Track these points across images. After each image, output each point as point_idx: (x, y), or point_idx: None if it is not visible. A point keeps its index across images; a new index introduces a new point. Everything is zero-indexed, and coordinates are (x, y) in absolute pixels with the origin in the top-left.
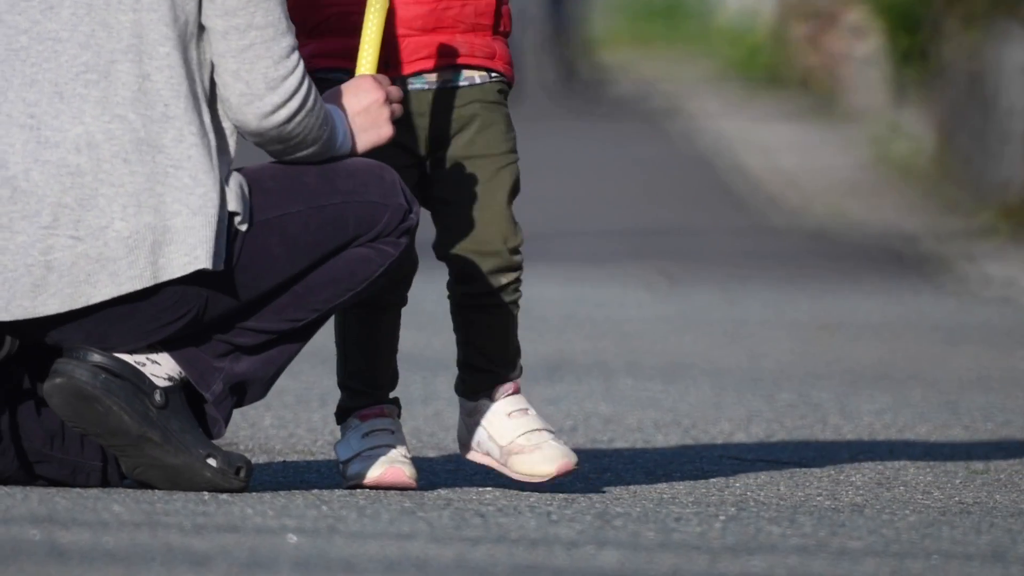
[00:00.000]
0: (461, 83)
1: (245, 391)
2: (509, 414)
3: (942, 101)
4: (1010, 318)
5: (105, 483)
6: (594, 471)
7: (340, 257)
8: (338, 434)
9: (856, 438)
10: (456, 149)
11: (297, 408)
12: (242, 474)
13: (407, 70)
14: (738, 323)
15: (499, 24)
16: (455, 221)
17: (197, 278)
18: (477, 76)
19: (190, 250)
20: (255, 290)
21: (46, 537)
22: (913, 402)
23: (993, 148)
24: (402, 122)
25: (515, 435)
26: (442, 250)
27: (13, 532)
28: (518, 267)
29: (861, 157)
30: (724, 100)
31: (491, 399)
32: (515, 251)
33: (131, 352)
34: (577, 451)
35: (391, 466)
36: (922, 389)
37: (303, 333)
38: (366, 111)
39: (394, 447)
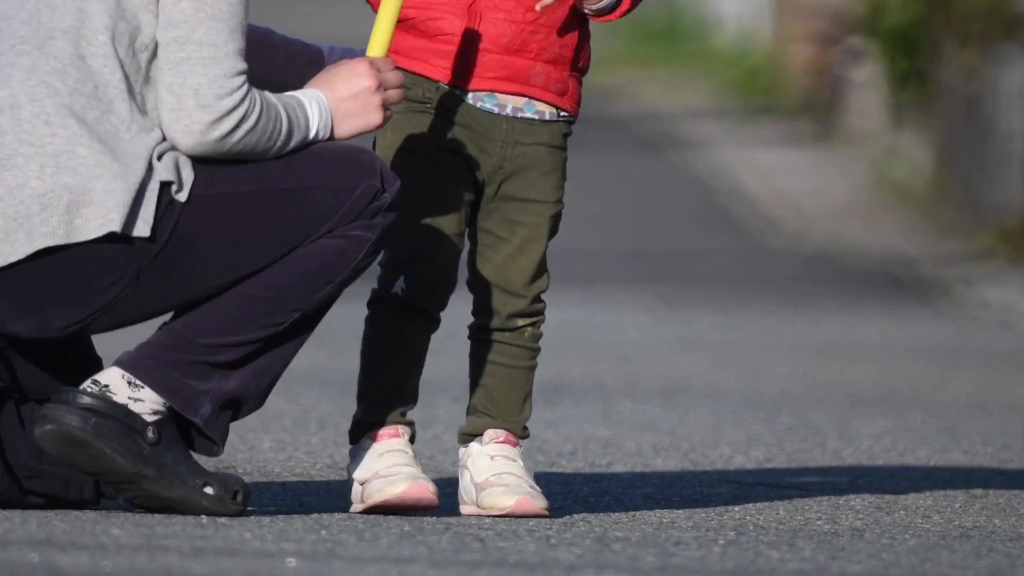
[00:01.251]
0: (530, 115)
1: (241, 405)
2: (492, 456)
3: (940, 124)
4: (1008, 342)
5: (99, 495)
6: (593, 495)
7: (308, 253)
8: (337, 457)
9: (855, 462)
10: (515, 188)
11: (296, 431)
12: (239, 498)
13: (479, 85)
14: (737, 346)
15: (578, 59)
16: (493, 254)
17: (127, 244)
18: (547, 112)
19: (106, 212)
20: (199, 267)
21: (45, 560)
22: (912, 426)
23: (991, 171)
24: (472, 139)
25: (490, 473)
26: (472, 278)
27: (12, 555)
28: (538, 313)
29: (860, 180)
30: (722, 123)
31: (481, 443)
32: (538, 298)
33: (67, 327)
34: (576, 475)
35: (415, 481)
36: (921, 413)
37: (292, 334)
38: (355, 97)
39: (411, 466)
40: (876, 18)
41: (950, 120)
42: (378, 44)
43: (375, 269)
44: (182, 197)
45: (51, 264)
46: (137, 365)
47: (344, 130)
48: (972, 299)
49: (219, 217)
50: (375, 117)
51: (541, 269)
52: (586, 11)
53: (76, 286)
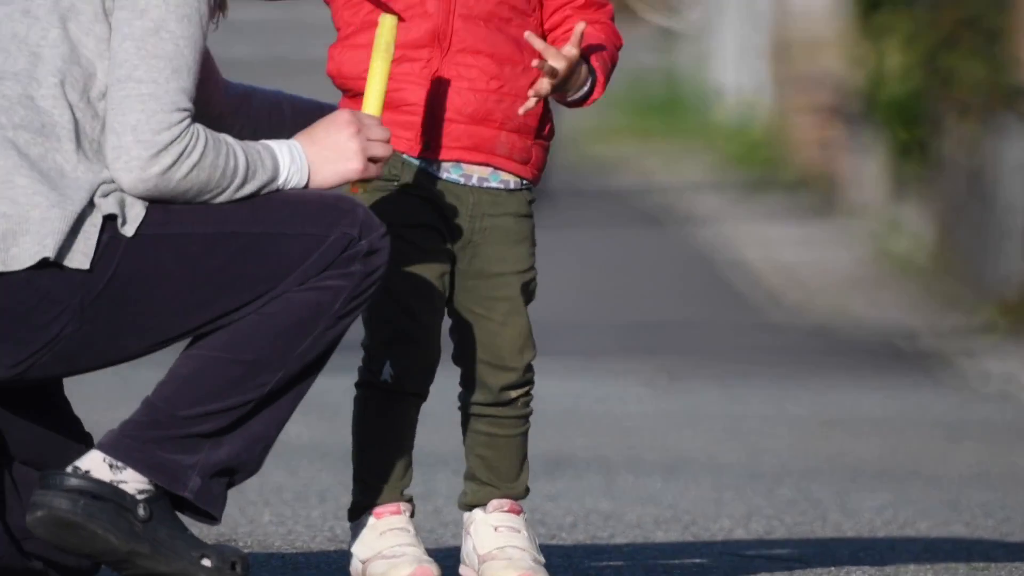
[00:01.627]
0: (496, 185)
1: (234, 472)
2: (496, 528)
3: (941, 196)
4: (1009, 414)
5: (98, 563)
6: (594, 568)
7: (281, 309)
8: (337, 530)
9: (856, 535)
10: (488, 262)
11: (296, 505)
12: (238, 569)
13: (444, 155)
14: (738, 419)
15: (543, 127)
16: (478, 331)
17: (66, 277)
18: (512, 181)
19: (41, 239)
20: (149, 308)
21: None
22: (913, 498)
23: (992, 244)
24: (440, 212)
25: (494, 546)
26: (458, 355)
27: None
28: (529, 382)
29: (861, 252)
30: (723, 195)
31: (484, 511)
32: (528, 368)
33: (14, 366)
34: (577, 547)
35: (420, 565)
36: (922, 485)
37: (283, 395)
38: (333, 143)
39: (415, 547)
40: (877, 90)
41: (951, 192)
42: (369, 102)
43: (357, 348)
44: (128, 232)
45: None
46: (117, 446)
47: (323, 177)
48: (973, 371)
49: (171, 257)
50: (354, 163)
51: (528, 339)
52: (567, 101)
53: (17, 320)
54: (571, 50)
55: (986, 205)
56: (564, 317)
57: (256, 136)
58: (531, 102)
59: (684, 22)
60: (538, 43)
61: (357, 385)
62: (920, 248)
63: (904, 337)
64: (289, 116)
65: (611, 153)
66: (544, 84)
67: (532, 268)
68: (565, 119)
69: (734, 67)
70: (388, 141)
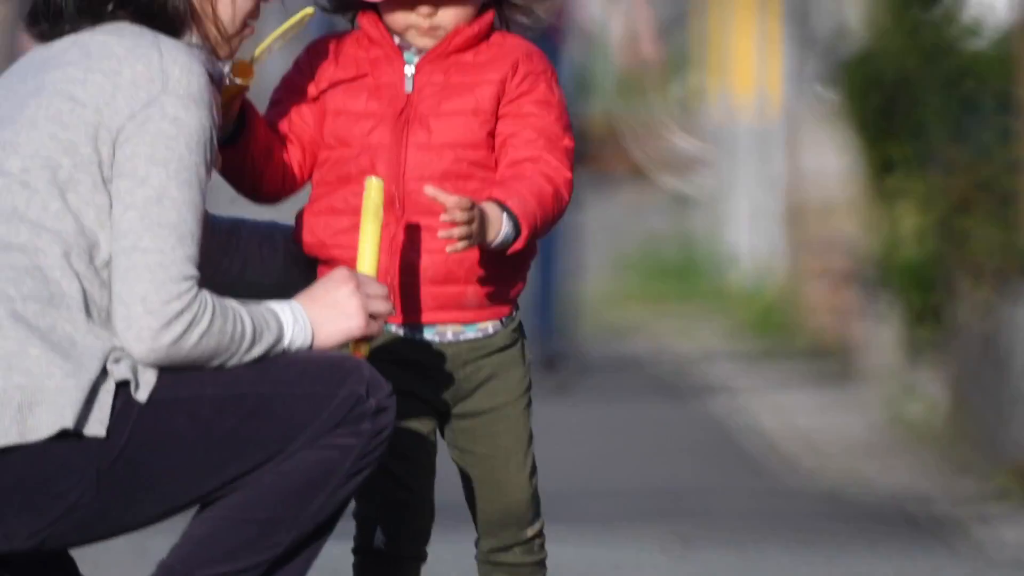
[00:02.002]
0: (473, 335)
1: None
2: None
3: (956, 362)
4: None
5: None
6: None
7: (293, 468)
8: None
9: None
10: (481, 402)
11: None
12: None
13: (414, 319)
14: None
15: (517, 268)
16: (480, 472)
17: (83, 445)
18: (490, 326)
19: (59, 410)
20: (164, 474)
21: None
22: None
23: (1007, 409)
24: (419, 373)
25: None
26: (468, 497)
27: None
28: (540, 513)
29: (875, 418)
30: (737, 360)
31: None
32: (536, 494)
33: (33, 536)
34: None
35: None
36: None
37: (297, 555)
38: (334, 301)
39: None
40: (891, 254)
41: (965, 358)
42: (364, 262)
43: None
44: (141, 397)
45: (7, 468)
46: None
47: (326, 335)
48: (989, 538)
49: (184, 421)
50: (356, 319)
51: (534, 466)
52: (489, 249)
53: (35, 490)
54: (452, 210)
55: (1000, 371)
56: (577, 484)
57: (246, 270)
58: (459, 244)
59: (698, 187)
60: (442, 197)
61: (354, 552)
62: (934, 414)
63: (918, 503)
64: (282, 245)
65: (625, 319)
66: (458, 246)
67: (526, 393)
68: (578, 284)
69: (748, 231)
70: (387, 297)
